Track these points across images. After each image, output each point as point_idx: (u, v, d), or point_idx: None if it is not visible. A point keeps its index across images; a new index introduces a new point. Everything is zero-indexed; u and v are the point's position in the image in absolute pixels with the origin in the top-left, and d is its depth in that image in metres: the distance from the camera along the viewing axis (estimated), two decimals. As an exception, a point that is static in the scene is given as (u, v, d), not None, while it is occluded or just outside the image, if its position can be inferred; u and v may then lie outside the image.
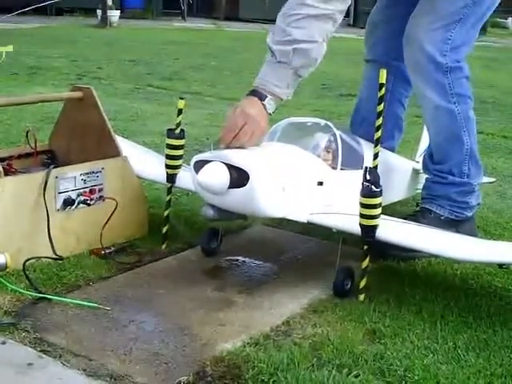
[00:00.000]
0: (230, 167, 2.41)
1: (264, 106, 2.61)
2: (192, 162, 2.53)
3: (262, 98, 2.62)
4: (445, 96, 2.98)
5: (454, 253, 2.51)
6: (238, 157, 2.45)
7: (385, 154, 2.94)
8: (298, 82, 2.70)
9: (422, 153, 3.45)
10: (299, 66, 2.65)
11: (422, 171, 3.32)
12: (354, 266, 2.56)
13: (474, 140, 3.08)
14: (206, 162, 2.45)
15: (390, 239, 2.51)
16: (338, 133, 2.76)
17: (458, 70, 2.98)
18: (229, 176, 2.40)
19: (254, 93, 2.64)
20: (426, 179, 3.15)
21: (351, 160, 2.75)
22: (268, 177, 2.44)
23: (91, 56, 9.84)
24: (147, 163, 3.14)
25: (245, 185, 2.40)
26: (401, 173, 3.27)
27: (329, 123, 2.80)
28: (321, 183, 2.63)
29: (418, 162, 3.44)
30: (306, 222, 2.60)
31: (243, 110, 2.58)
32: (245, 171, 2.39)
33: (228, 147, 2.55)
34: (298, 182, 2.56)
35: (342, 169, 2.72)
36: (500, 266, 2.59)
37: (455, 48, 2.96)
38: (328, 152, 2.73)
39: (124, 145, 3.06)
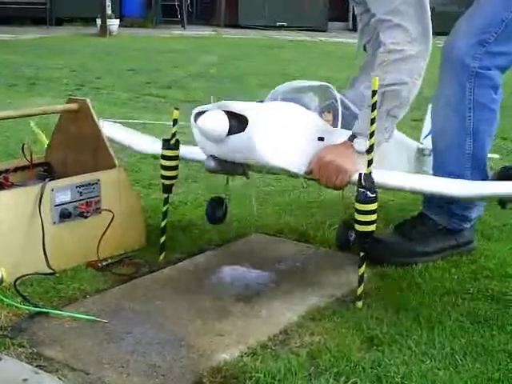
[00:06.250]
0: (230, 115, 2.41)
1: (351, 145, 2.61)
2: (193, 115, 2.53)
3: (351, 139, 2.62)
4: (461, 99, 2.85)
5: (452, 190, 2.53)
6: (237, 105, 2.46)
7: None
8: (395, 123, 2.69)
9: (427, 135, 3.45)
10: (391, 108, 2.64)
11: (428, 153, 3.30)
12: (353, 272, 2.57)
13: (482, 153, 2.97)
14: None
15: (387, 184, 2.55)
16: (339, 96, 2.76)
17: (485, 77, 2.82)
18: (228, 122, 2.40)
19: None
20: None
21: (351, 123, 2.73)
22: (267, 123, 2.44)
23: (90, 66, 9.84)
24: (141, 139, 3.28)
25: (244, 130, 2.40)
26: (404, 149, 3.21)
27: (330, 86, 2.80)
28: (321, 139, 2.62)
29: (422, 143, 3.44)
30: (304, 174, 2.61)
31: (325, 149, 2.61)
32: (244, 117, 2.40)
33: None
34: (299, 133, 2.56)
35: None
36: (503, 205, 2.56)
37: (490, 53, 2.80)
38: (329, 113, 2.74)
39: (115, 128, 3.26)
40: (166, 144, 2.79)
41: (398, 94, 2.64)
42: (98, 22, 15.85)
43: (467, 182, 2.69)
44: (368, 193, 2.42)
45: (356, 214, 2.45)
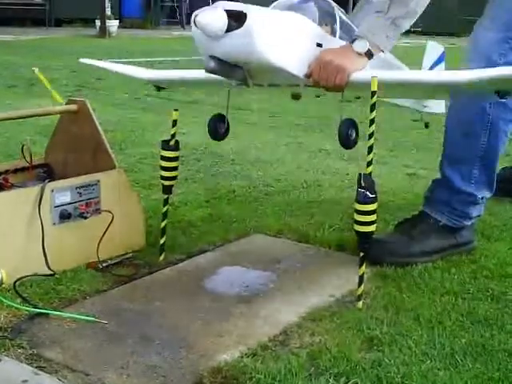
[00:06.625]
0: (229, 13, 2.38)
1: (351, 46, 2.61)
2: (192, 17, 2.47)
3: (351, 42, 2.62)
4: (484, 95, 2.84)
5: (454, 77, 2.52)
6: (237, 4, 2.44)
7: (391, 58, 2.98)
8: (397, 33, 2.67)
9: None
10: (396, 16, 2.63)
11: None
12: (353, 272, 2.56)
13: (495, 151, 2.95)
14: None
15: (391, 78, 2.56)
16: (337, 12, 2.74)
17: None
18: (227, 18, 2.37)
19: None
20: (433, 180, 3.12)
21: (349, 37, 2.72)
22: (266, 20, 2.43)
23: (90, 67, 9.84)
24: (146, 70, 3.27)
25: (242, 26, 2.38)
26: None
27: (332, 2, 2.77)
28: (320, 45, 2.62)
29: None
30: (302, 77, 2.59)
31: (324, 51, 2.61)
32: (244, 14, 2.38)
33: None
34: (297, 36, 2.55)
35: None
36: (501, 96, 2.53)
37: None
38: (327, 25, 2.72)
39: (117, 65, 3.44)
40: (165, 145, 2.79)
41: (405, 3, 2.63)
42: (98, 23, 15.89)
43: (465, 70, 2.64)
44: (368, 193, 2.42)
45: (356, 214, 2.45)
